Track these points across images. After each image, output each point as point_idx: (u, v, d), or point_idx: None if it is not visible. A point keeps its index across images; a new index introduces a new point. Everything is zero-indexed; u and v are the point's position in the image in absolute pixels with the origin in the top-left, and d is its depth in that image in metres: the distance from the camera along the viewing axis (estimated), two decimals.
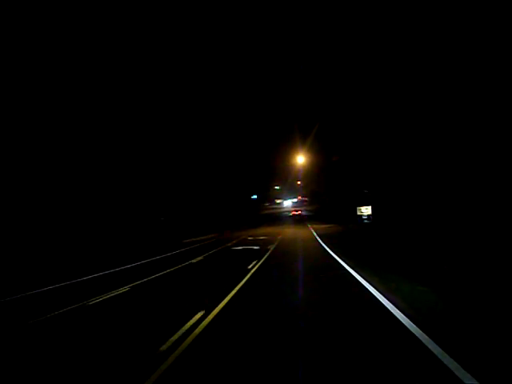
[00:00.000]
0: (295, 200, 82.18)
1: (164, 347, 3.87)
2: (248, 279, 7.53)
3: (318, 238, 17.39)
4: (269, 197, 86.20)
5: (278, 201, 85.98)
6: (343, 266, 8.45)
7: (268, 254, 12.09)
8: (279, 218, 45.60)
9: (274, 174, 71.16)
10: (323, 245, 13.87)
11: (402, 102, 24.70)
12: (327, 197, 44.47)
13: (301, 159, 39.55)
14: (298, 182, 76.14)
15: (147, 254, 14.09)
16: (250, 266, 9.24)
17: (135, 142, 22.95)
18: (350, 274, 7.46)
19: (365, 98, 28.76)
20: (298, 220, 39.31)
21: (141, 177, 22.95)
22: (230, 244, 16.93)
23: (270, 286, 6.83)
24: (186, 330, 4.40)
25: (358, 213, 25.92)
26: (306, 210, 52.82)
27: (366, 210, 25.60)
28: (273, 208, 76.86)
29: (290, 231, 24.33)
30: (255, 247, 14.61)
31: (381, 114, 27.31)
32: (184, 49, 32.95)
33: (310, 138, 38.47)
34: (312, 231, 22.37)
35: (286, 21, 38.16)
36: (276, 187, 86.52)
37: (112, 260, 12.50)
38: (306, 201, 76.17)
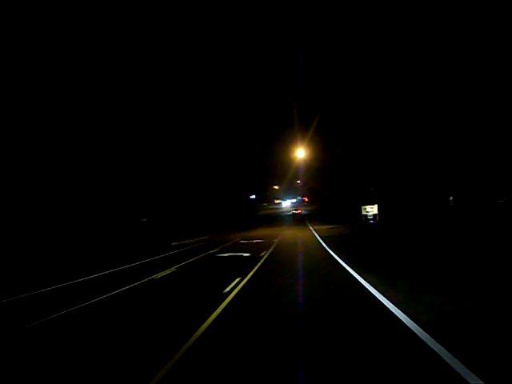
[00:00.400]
0: (294, 200, 79.74)
1: None
2: (215, 319, 4.55)
3: (321, 241, 14.61)
4: (267, 197, 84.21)
5: (277, 201, 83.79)
6: (367, 289, 5.59)
7: (259, 265, 9.25)
8: (278, 219, 43.43)
9: (273, 173, 69.44)
10: (329, 250, 11.08)
11: (415, 88, 22.14)
12: (329, 195, 42.18)
13: (301, 153, 36.82)
14: (298, 182, 73.89)
15: (111, 263, 11.65)
16: (227, 289, 6.28)
17: (110, 129, 20.14)
18: (393, 313, 4.60)
19: (371, 87, 26.20)
20: (298, 220, 38.00)
21: (117, 171, 20.05)
22: (217, 249, 14.29)
23: (246, 339, 3.89)
24: None
25: (363, 212, 23.91)
26: (306, 210, 50.99)
27: (372, 210, 23.68)
28: (271, 208, 74.59)
29: (289, 233, 21.55)
30: (245, 254, 12.01)
31: (389, 104, 24.84)
32: (178, 38, 30.55)
33: (310, 130, 35.81)
34: (314, 233, 19.63)
35: (285, 4, 35.73)
36: (275, 187, 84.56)
37: (61, 272, 10.17)
38: (306, 200, 73.97)
